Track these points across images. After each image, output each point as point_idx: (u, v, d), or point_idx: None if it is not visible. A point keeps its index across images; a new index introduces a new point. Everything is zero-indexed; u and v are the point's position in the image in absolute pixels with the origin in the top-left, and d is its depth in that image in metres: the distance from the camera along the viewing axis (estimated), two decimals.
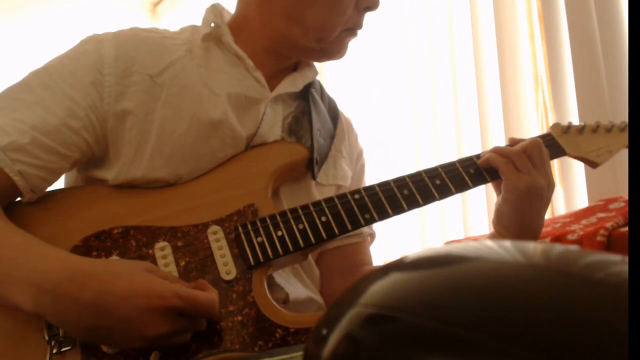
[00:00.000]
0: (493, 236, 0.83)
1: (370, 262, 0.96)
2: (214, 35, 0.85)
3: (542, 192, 0.78)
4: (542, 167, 0.80)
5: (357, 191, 0.78)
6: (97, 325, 0.60)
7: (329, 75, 2.17)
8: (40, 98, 0.74)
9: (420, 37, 1.93)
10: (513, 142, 0.86)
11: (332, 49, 0.86)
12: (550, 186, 0.80)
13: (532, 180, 0.78)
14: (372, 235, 0.99)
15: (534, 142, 0.81)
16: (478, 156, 0.84)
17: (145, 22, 3.27)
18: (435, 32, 1.90)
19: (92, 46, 0.78)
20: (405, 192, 0.78)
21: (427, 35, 1.92)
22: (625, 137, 0.89)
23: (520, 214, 0.79)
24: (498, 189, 0.83)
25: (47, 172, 0.73)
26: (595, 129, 0.89)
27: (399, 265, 0.35)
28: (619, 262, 0.29)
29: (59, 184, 0.87)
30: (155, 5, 3.35)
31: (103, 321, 0.60)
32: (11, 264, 0.64)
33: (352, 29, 0.86)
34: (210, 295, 0.65)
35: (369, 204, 0.77)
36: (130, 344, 0.62)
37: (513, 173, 0.79)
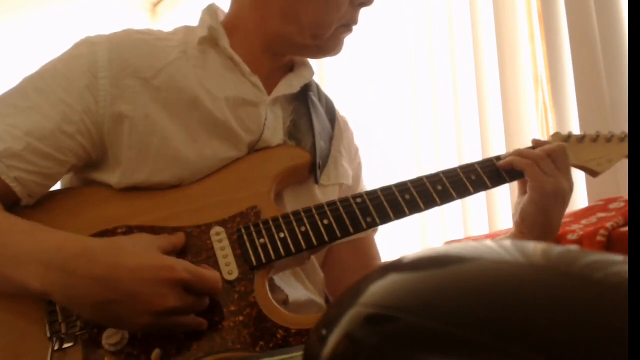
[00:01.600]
0: (514, 235, 0.84)
1: (379, 257, 0.98)
2: (210, 38, 0.84)
3: (565, 195, 0.81)
4: (566, 170, 0.82)
5: (360, 195, 0.78)
6: (105, 299, 0.60)
7: (329, 75, 2.18)
8: (35, 103, 0.73)
9: (420, 37, 1.93)
10: (537, 144, 0.88)
11: (328, 45, 0.86)
12: (571, 189, 0.83)
13: (557, 182, 0.80)
14: (375, 230, 0.99)
15: (559, 147, 0.84)
16: (498, 158, 0.85)
17: (145, 22, 3.27)
18: (435, 32, 1.90)
19: (86, 49, 0.77)
20: (407, 196, 0.78)
21: (427, 35, 1.92)
22: (624, 147, 0.90)
23: (545, 215, 0.81)
24: (523, 189, 0.84)
25: (44, 177, 0.73)
26: (595, 138, 0.90)
27: (398, 265, 0.35)
28: (619, 262, 0.29)
29: (57, 185, 0.87)
30: (155, 5, 3.35)
31: (111, 295, 0.60)
32: (19, 248, 0.64)
33: (347, 25, 0.86)
34: (214, 272, 0.66)
35: (370, 207, 0.77)
36: (138, 320, 0.61)
37: (540, 175, 0.81)
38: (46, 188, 0.76)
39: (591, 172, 0.90)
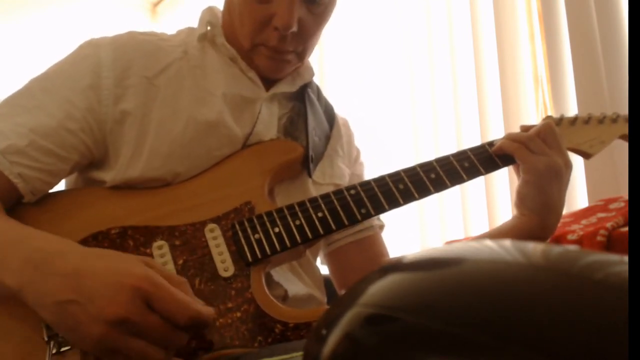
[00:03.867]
0: (516, 218, 0.84)
1: (387, 253, 0.98)
2: (209, 36, 0.86)
3: (560, 171, 0.80)
4: (558, 147, 0.82)
5: (353, 187, 0.78)
6: (65, 298, 0.56)
7: (329, 73, 2.18)
8: (41, 102, 0.75)
9: (420, 36, 1.93)
10: (525, 128, 0.88)
11: (256, 60, 0.84)
12: (567, 165, 0.82)
13: (549, 160, 0.80)
14: (382, 227, 1.00)
15: (546, 124, 0.84)
16: (491, 144, 0.85)
17: (145, 22, 3.27)
18: (435, 32, 1.90)
19: (90, 51, 0.79)
20: (401, 186, 0.79)
21: (427, 35, 1.92)
22: (617, 128, 0.90)
23: (543, 194, 0.80)
24: (519, 173, 0.84)
25: (47, 174, 0.74)
26: (587, 120, 0.90)
27: (398, 265, 0.35)
28: (619, 262, 0.29)
29: (59, 185, 0.87)
30: (155, 5, 3.35)
31: (71, 294, 0.56)
32: (5, 248, 0.62)
33: (264, 46, 0.82)
34: (191, 299, 0.58)
35: (364, 198, 0.77)
36: (91, 328, 0.55)
37: (529, 155, 0.81)
38: (49, 185, 0.76)
39: (584, 154, 0.90)
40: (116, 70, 0.77)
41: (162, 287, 0.56)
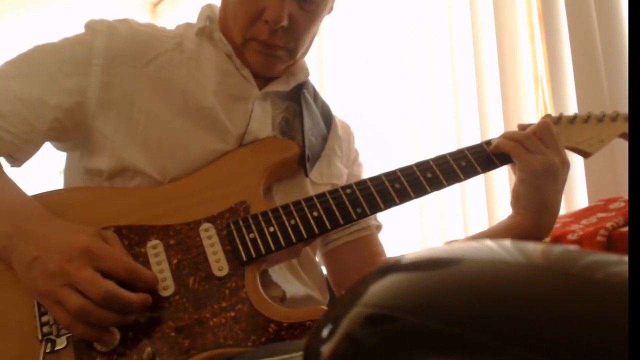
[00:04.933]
0: (511, 218, 0.83)
1: (384, 253, 0.97)
2: (207, 31, 0.87)
3: (557, 170, 0.80)
4: (555, 146, 0.81)
5: (349, 186, 0.78)
6: (34, 256, 0.64)
7: (329, 73, 2.17)
8: (34, 73, 0.79)
9: (420, 36, 1.93)
10: (522, 127, 0.87)
11: (247, 56, 0.85)
12: (564, 164, 0.81)
13: (546, 159, 0.79)
14: (379, 227, 1.00)
15: (543, 123, 0.83)
16: (488, 143, 0.85)
17: (145, 22, 3.28)
18: (435, 32, 1.90)
19: (88, 37, 0.83)
20: (397, 185, 0.78)
21: (427, 35, 1.92)
22: (616, 126, 0.89)
23: (538, 193, 0.80)
24: (515, 172, 0.84)
25: (22, 141, 0.77)
26: (587, 119, 0.90)
27: (398, 266, 0.35)
28: (619, 262, 0.29)
29: (59, 183, 0.87)
30: (155, 5, 3.35)
31: (38, 252, 0.64)
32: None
33: (256, 40, 0.82)
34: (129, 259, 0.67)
35: (360, 198, 0.77)
36: (42, 278, 0.63)
37: (525, 154, 0.80)
38: (24, 151, 0.79)
39: (583, 153, 0.89)
40: (106, 59, 0.80)
41: (104, 248, 0.65)
